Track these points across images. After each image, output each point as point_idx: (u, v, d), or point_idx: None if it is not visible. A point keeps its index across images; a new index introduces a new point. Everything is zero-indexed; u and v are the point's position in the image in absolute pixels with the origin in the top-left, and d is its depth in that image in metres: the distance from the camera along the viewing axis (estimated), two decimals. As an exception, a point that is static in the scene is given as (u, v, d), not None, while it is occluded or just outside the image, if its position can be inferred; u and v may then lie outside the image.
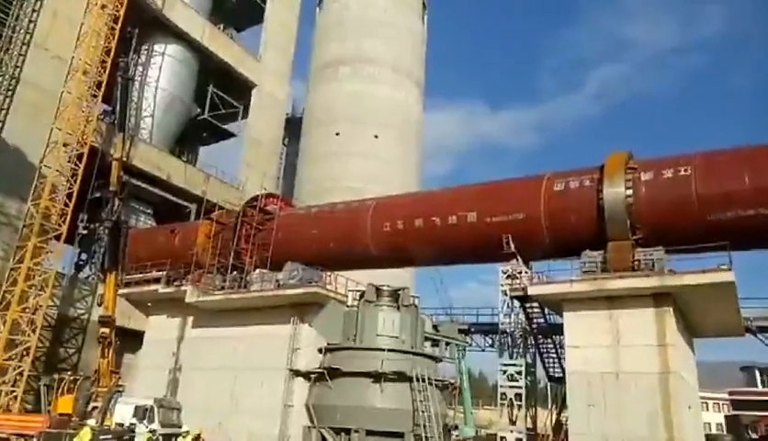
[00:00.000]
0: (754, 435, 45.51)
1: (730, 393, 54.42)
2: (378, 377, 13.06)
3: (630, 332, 18.46)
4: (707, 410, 52.87)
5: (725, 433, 47.40)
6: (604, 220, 19.59)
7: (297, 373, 16.87)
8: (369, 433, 12.81)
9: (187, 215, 37.64)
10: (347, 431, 12.95)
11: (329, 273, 25.56)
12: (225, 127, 45.41)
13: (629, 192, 19.41)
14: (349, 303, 15.43)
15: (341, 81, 48.26)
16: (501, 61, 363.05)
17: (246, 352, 25.98)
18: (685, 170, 19.03)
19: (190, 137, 44.68)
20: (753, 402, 49.23)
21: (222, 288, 27.22)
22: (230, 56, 42.61)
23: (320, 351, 14.93)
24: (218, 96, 43.10)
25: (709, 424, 49.44)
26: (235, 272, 27.48)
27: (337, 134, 46.48)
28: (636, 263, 18.83)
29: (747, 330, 23.08)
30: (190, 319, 28.89)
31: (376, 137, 46.04)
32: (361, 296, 14.65)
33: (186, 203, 37.98)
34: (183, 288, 27.85)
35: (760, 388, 55.77)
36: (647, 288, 18.25)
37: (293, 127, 58.60)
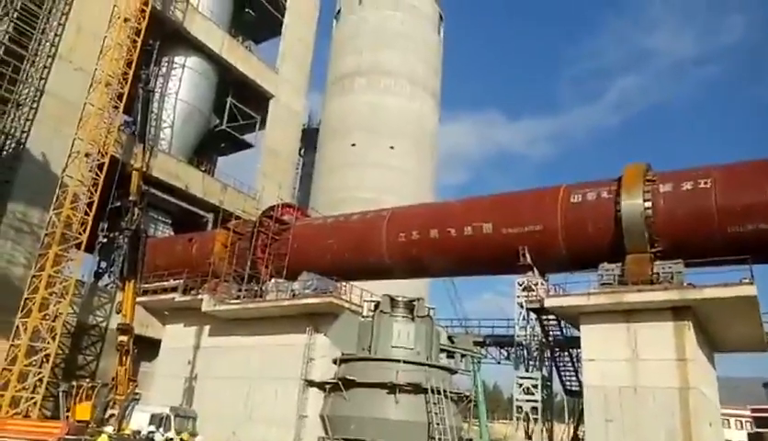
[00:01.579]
0: (778, 454, 44.31)
1: (753, 410, 53.06)
2: (392, 388, 13.00)
3: (649, 345, 18.20)
4: (729, 427, 51.58)
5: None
6: (621, 232, 19.40)
7: (311, 383, 16.82)
8: (384, 444, 12.76)
9: (204, 224, 38.14)
10: (362, 442, 12.91)
11: (344, 283, 25.64)
12: (243, 137, 46.07)
13: (648, 204, 19.21)
14: (364, 314, 15.40)
15: (357, 92, 48.56)
16: (518, 71, 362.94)
17: (261, 361, 26.09)
18: (705, 182, 18.81)
19: (208, 147, 45.32)
20: (777, 420, 47.98)
21: (238, 297, 27.42)
22: (248, 68, 43.24)
23: (334, 361, 14.89)
24: (236, 107, 43.69)
25: (731, 441, 48.17)
26: (251, 281, 27.68)
27: (353, 145, 46.72)
28: (654, 276, 18.59)
29: (770, 345, 22.57)
30: (206, 328, 29.13)
31: (391, 148, 46.18)
32: (376, 306, 14.60)
33: (203, 212, 38.52)
34: (199, 296, 28.12)
35: (784, 405, 54.30)
36: (666, 301, 18.00)
37: (309, 137, 59.13)
